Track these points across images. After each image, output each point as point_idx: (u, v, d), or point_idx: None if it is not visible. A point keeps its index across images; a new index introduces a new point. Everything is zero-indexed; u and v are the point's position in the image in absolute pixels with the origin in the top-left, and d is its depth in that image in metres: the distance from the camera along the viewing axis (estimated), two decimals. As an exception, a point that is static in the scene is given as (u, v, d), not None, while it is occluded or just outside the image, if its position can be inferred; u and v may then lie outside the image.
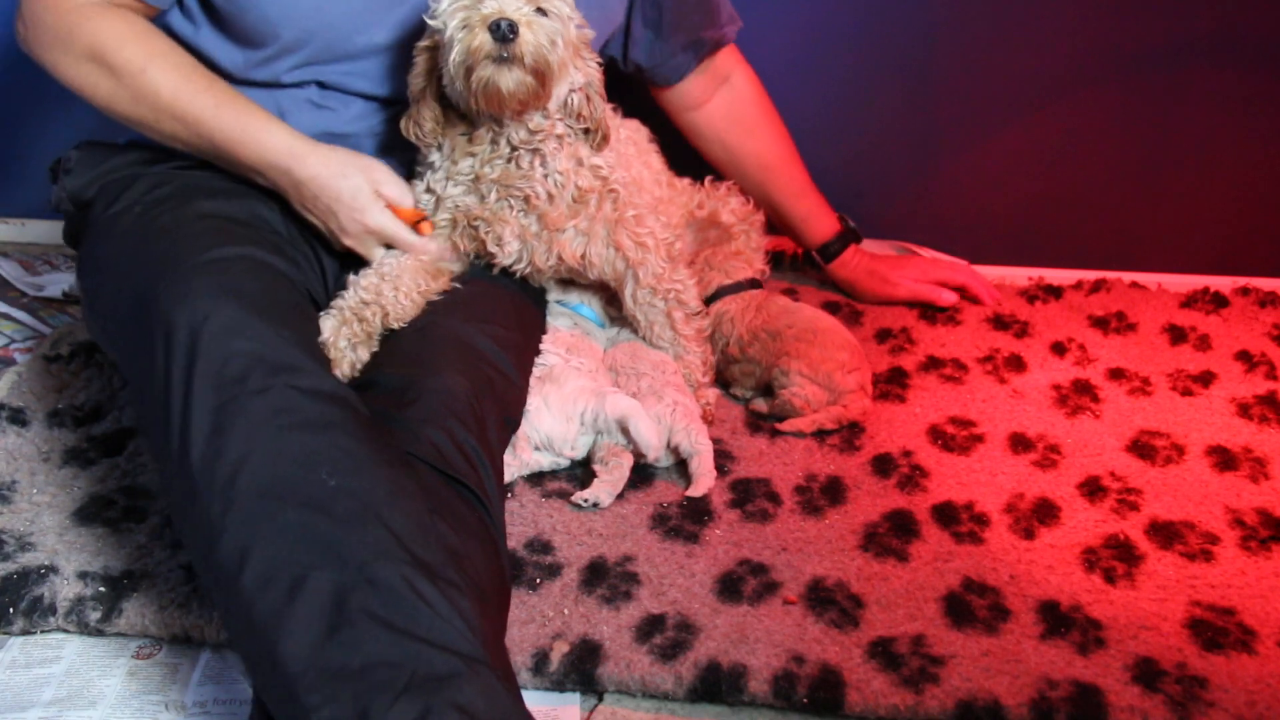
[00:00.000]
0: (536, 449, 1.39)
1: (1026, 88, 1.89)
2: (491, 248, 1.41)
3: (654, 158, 1.60)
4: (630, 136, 1.54)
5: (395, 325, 1.35)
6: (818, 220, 1.80)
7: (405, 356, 1.30)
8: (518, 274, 1.45)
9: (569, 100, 1.36)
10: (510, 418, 1.34)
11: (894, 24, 1.87)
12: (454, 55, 1.26)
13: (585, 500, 1.34)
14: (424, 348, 1.31)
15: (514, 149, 1.36)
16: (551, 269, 1.46)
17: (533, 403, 1.39)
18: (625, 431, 1.37)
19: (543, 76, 1.27)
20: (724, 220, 1.68)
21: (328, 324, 1.31)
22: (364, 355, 1.32)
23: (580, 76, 1.35)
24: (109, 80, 1.31)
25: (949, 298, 1.80)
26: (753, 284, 1.64)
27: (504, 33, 1.23)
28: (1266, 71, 1.83)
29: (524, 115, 1.33)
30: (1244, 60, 1.83)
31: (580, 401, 1.38)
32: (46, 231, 2.09)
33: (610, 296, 1.57)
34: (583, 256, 1.44)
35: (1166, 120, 1.88)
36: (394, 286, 1.36)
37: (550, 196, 1.38)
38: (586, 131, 1.39)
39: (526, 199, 1.38)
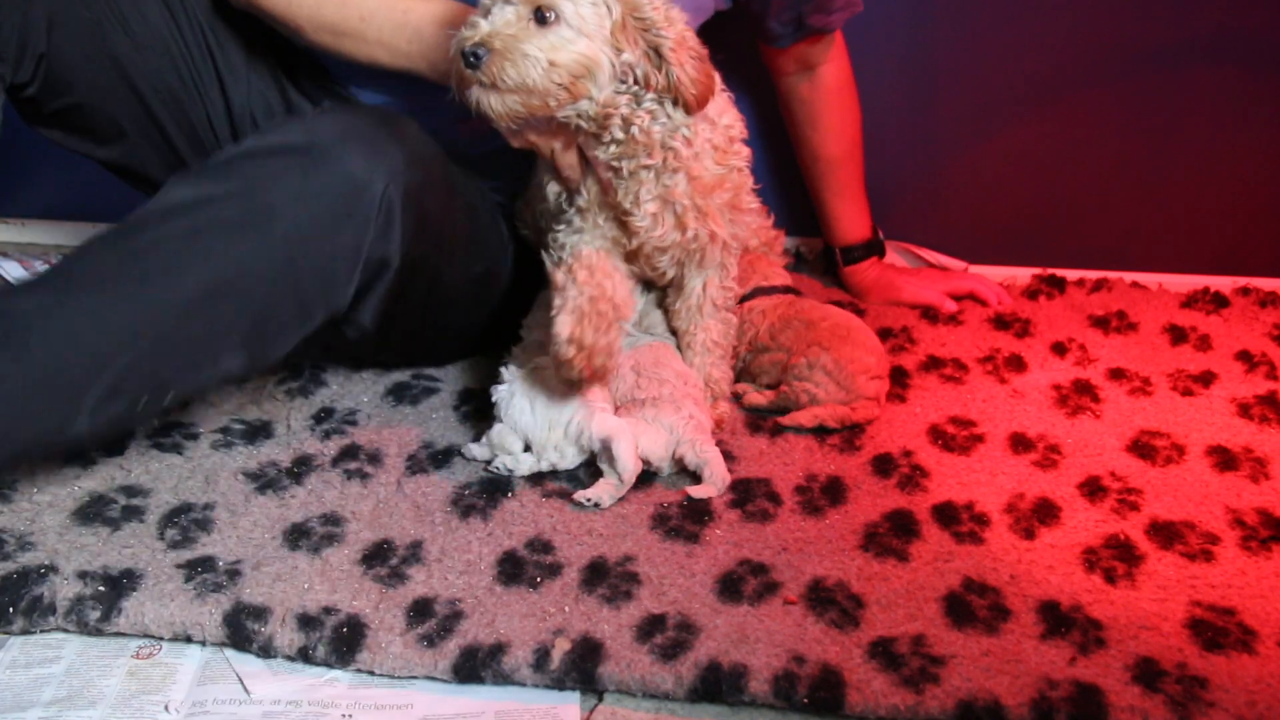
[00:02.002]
0: (525, 450, 1.40)
1: (1026, 88, 1.89)
2: (627, 204, 1.36)
3: None
4: None
5: (625, 319, 1.37)
6: (850, 223, 1.84)
7: None
8: (649, 247, 1.41)
9: (635, 74, 1.29)
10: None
11: (893, 22, 1.87)
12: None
13: (587, 500, 1.34)
14: None
15: (590, 133, 1.32)
16: (686, 243, 1.41)
17: (518, 402, 1.39)
18: (607, 450, 1.35)
19: (531, 91, 1.24)
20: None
21: (566, 322, 1.31)
22: (616, 339, 1.34)
23: (631, 54, 1.27)
24: None
25: (951, 306, 1.82)
26: (788, 290, 1.66)
27: (470, 61, 1.22)
28: (1266, 71, 1.83)
29: (554, 115, 1.28)
30: (1244, 60, 1.83)
31: (568, 411, 1.38)
32: (46, 231, 2.09)
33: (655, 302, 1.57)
34: (722, 229, 1.42)
35: (1167, 120, 1.88)
36: (607, 275, 1.35)
37: (695, 154, 1.34)
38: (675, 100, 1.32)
39: (665, 159, 1.34)
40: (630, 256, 1.44)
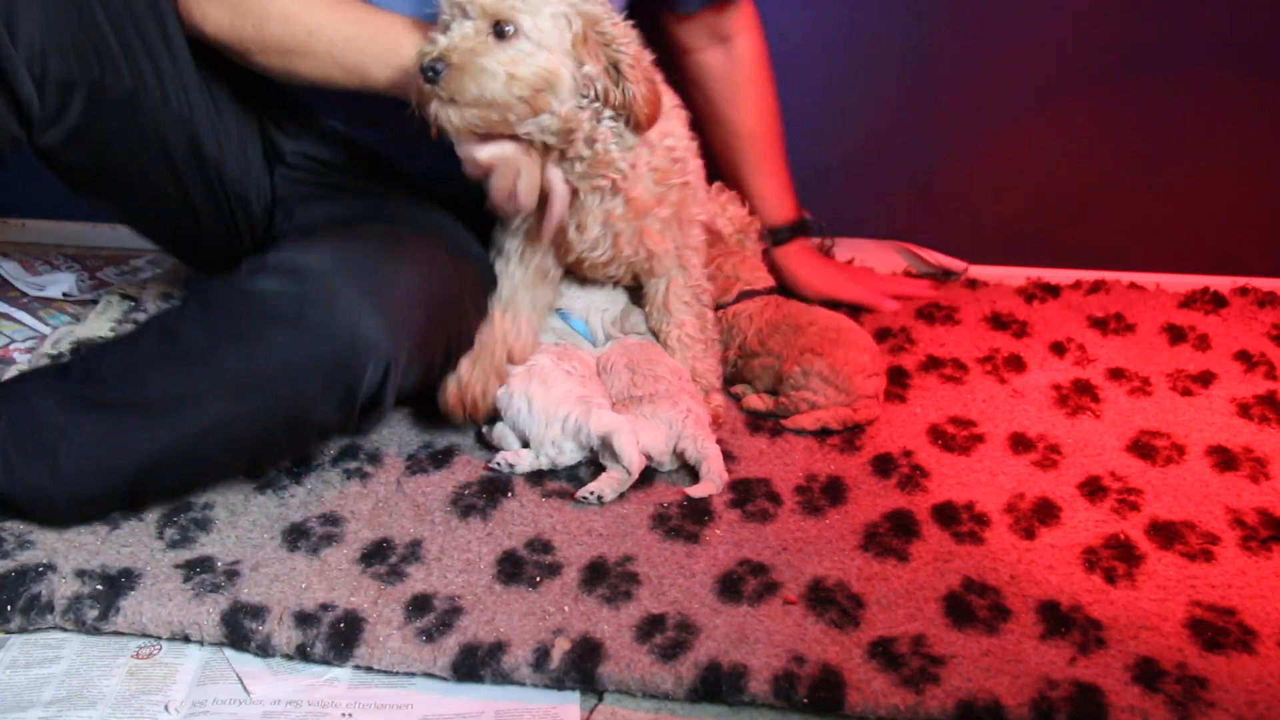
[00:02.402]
0: (524, 445, 1.40)
1: (1026, 88, 1.89)
2: (570, 230, 1.40)
3: None
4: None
5: (518, 362, 1.44)
6: (776, 203, 1.78)
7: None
8: (587, 262, 1.46)
9: (595, 88, 1.29)
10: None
11: (893, 23, 1.87)
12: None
13: (590, 494, 1.34)
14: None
15: (556, 149, 1.33)
16: (626, 259, 1.46)
17: (517, 401, 1.39)
18: (609, 447, 1.35)
19: (491, 105, 1.25)
20: (718, 227, 1.68)
21: (463, 364, 1.41)
22: (493, 384, 1.43)
23: (592, 66, 1.28)
24: (251, 7, 1.33)
25: (891, 305, 1.80)
26: (772, 292, 1.65)
27: (429, 76, 1.23)
28: (1266, 71, 1.83)
29: (514, 130, 1.28)
30: (1244, 60, 1.83)
31: (565, 407, 1.38)
32: (46, 231, 2.09)
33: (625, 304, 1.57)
34: (659, 246, 1.45)
35: (1166, 120, 1.88)
36: (515, 316, 1.44)
37: (637, 178, 1.37)
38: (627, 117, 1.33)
39: (613, 183, 1.36)
40: (577, 264, 1.48)
